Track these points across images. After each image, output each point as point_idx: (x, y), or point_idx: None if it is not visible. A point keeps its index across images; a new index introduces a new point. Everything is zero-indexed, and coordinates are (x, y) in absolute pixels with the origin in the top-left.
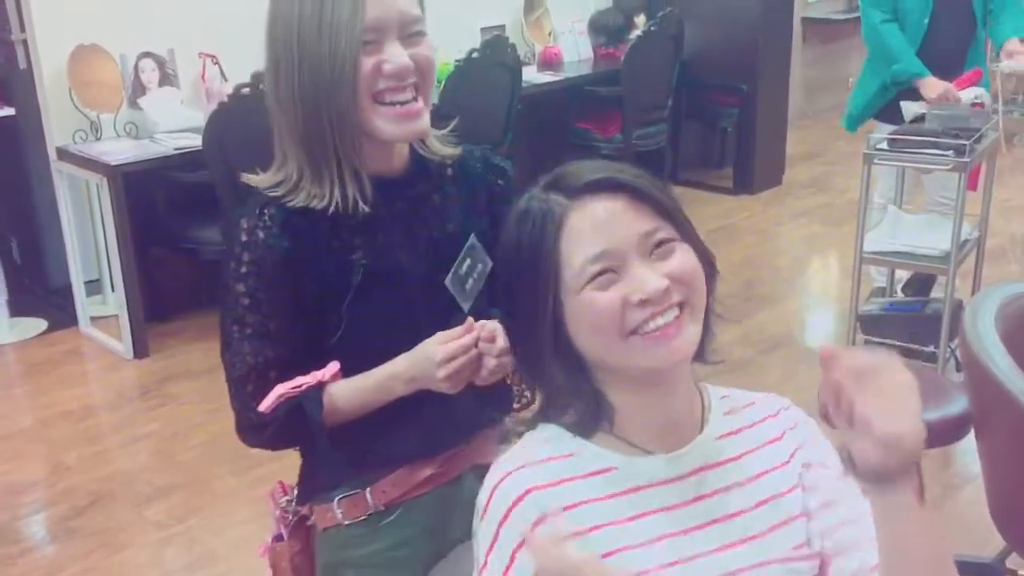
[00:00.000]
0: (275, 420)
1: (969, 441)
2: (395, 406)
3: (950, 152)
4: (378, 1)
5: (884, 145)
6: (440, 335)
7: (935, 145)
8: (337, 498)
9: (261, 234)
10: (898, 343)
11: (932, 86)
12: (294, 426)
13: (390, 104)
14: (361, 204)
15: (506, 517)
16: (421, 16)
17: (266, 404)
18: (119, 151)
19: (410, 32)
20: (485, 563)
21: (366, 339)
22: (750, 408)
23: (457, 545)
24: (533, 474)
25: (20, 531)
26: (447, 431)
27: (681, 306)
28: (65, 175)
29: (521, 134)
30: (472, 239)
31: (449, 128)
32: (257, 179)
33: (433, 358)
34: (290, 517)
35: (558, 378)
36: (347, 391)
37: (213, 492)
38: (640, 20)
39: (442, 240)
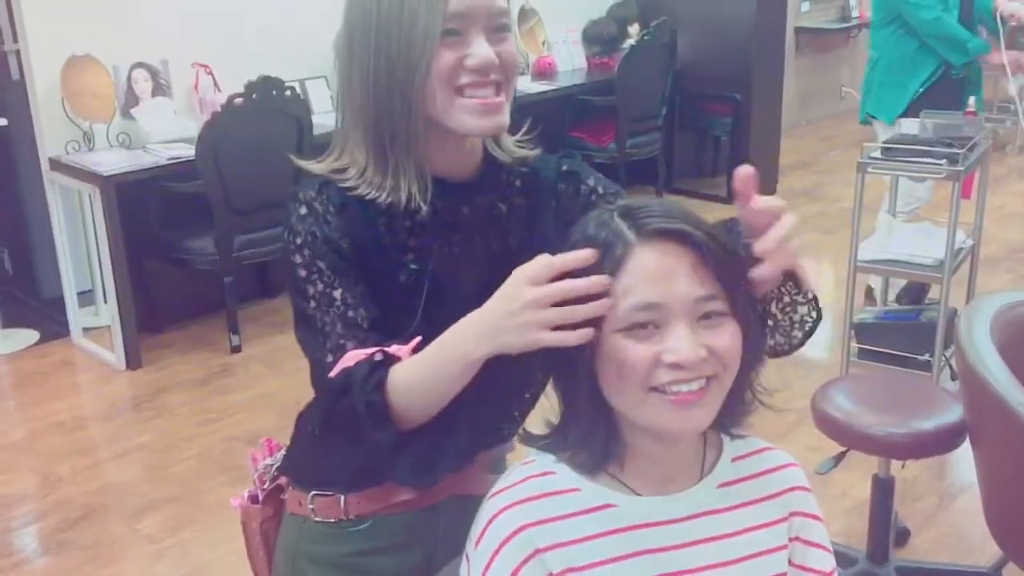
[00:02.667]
0: (331, 389)
1: (965, 450)
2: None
3: (943, 161)
4: None
5: (877, 154)
6: (527, 269)
7: (928, 154)
8: (312, 493)
9: (319, 208)
10: (893, 351)
11: (998, 54)
12: (346, 398)
13: (470, 97)
14: (420, 203)
15: (498, 551)
16: (508, 9)
17: (335, 371)
18: (112, 161)
19: (496, 25)
20: None
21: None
22: (758, 456)
23: (422, 570)
24: (528, 511)
25: (11, 543)
26: (447, 455)
27: (709, 379)
28: (57, 185)
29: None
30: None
31: (522, 132)
32: (313, 165)
33: (516, 300)
34: (267, 482)
35: (583, 409)
36: (407, 365)
37: (206, 505)
38: (633, 30)
39: (501, 254)
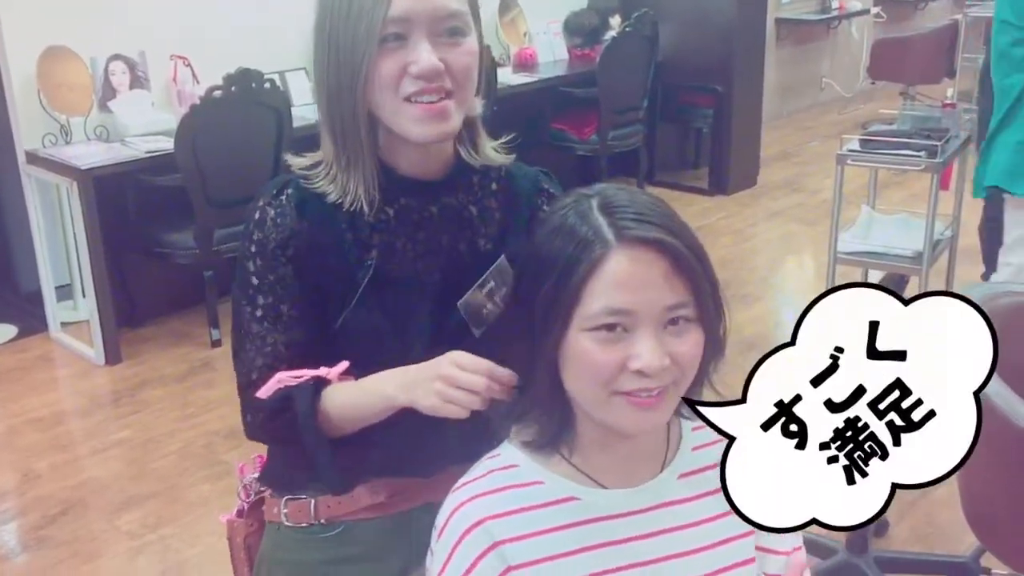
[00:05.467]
0: (265, 407)
1: None
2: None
3: (922, 152)
4: None
5: (856, 146)
6: (460, 356)
7: (907, 146)
8: (285, 498)
9: (271, 212)
10: None
11: None
12: (283, 417)
13: (415, 103)
14: (363, 204)
15: (459, 542)
16: (460, 11)
17: (264, 391)
18: (89, 154)
19: (445, 29)
20: None
21: (356, 347)
22: (718, 445)
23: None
24: (489, 504)
25: None
26: (415, 460)
27: (668, 384)
28: (34, 179)
29: (497, 135)
30: (502, 260)
31: (502, 141)
32: (295, 160)
33: (437, 369)
34: (251, 495)
35: (540, 391)
36: (342, 390)
37: (187, 500)
38: (615, 21)
39: (470, 256)
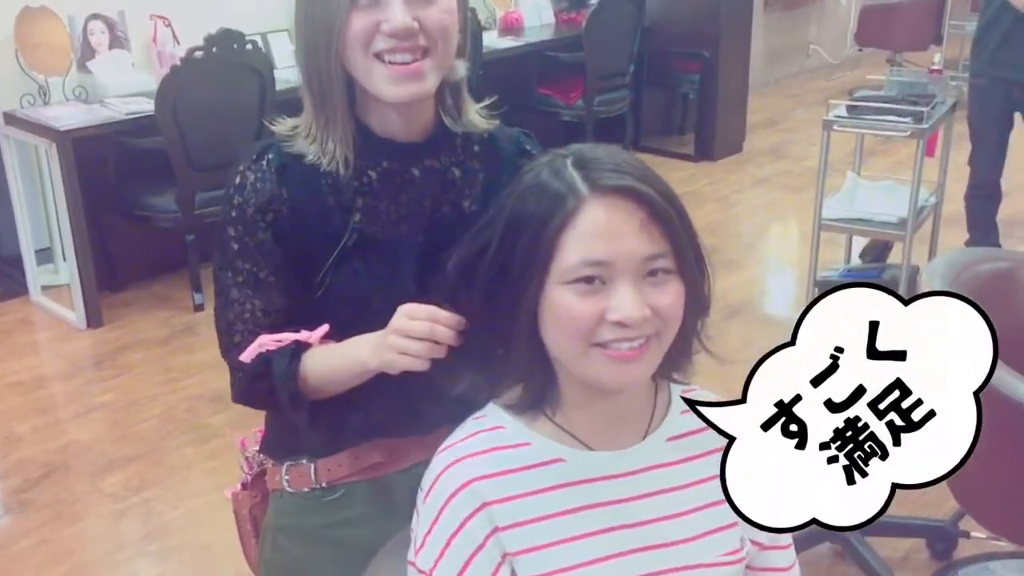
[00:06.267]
0: (247, 371)
1: None
2: (365, 384)
3: (908, 119)
4: None
5: (843, 112)
6: (410, 307)
7: (893, 112)
8: (286, 464)
9: (252, 176)
10: None
11: None
12: (263, 381)
13: (388, 63)
14: (360, 168)
15: (447, 503)
16: None
17: (247, 354)
18: (68, 116)
19: None
20: (423, 543)
21: (342, 310)
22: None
23: (396, 535)
24: (476, 465)
25: None
26: (409, 419)
27: (649, 336)
28: (12, 140)
29: (483, 100)
30: None
31: (484, 104)
32: (278, 125)
33: (392, 324)
34: (254, 466)
35: (520, 352)
36: (320, 354)
37: (170, 464)
38: None
39: (454, 217)
